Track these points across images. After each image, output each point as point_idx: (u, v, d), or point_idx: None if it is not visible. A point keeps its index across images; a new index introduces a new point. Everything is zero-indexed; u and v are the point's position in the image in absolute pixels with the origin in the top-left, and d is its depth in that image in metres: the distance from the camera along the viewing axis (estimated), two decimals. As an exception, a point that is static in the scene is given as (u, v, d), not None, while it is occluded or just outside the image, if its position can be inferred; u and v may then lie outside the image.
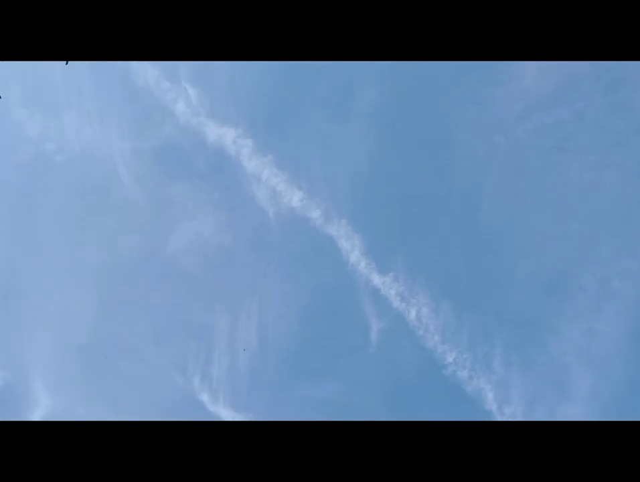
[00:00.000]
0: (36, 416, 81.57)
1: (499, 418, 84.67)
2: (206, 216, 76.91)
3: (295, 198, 62.42)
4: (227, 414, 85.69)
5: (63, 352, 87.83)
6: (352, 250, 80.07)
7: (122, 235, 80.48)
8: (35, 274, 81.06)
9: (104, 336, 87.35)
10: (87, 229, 73.91)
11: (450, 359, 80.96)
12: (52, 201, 65.86)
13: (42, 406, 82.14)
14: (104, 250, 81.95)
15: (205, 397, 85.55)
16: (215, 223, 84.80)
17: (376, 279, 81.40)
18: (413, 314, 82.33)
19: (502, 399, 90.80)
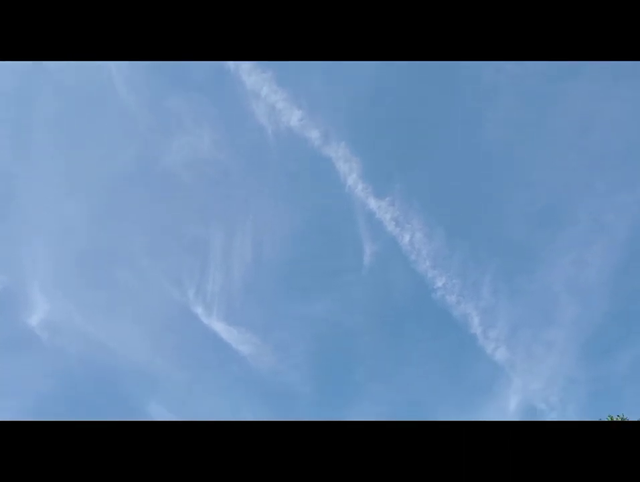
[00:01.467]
0: (33, 320, 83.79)
1: (482, 341, 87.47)
2: (203, 131, 75.90)
3: (294, 117, 61.47)
4: (220, 327, 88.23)
5: (60, 259, 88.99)
6: (350, 172, 79.69)
7: (117, 146, 79.63)
8: (32, 182, 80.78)
9: (101, 245, 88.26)
10: (82, 139, 72.99)
11: (439, 283, 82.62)
12: (47, 108, 64.68)
13: (39, 311, 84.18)
14: (100, 160, 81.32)
15: (199, 310, 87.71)
16: (212, 139, 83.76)
17: (372, 203, 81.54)
18: (406, 239, 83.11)
19: (487, 324, 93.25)
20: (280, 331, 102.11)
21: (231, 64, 56.59)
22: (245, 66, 56.43)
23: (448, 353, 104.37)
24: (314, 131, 74.30)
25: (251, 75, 56.80)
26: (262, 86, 58.76)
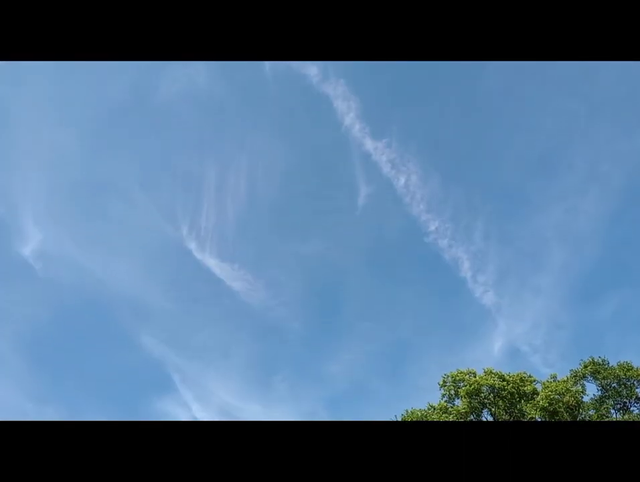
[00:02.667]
0: (27, 250, 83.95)
1: (471, 285, 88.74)
2: (199, 63, 73.94)
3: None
4: (213, 263, 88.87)
5: (54, 190, 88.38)
6: (347, 111, 78.60)
7: (112, 76, 77.67)
8: (26, 110, 79.09)
9: (94, 176, 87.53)
10: (76, 67, 71.06)
11: (432, 227, 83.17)
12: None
13: (32, 241, 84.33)
14: (93, 90, 79.40)
15: (192, 246, 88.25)
16: (209, 71, 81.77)
17: (369, 144, 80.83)
18: (402, 181, 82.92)
19: (477, 268, 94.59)
20: (272, 268, 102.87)
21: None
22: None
23: (437, 295, 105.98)
24: (313, 67, 72.68)
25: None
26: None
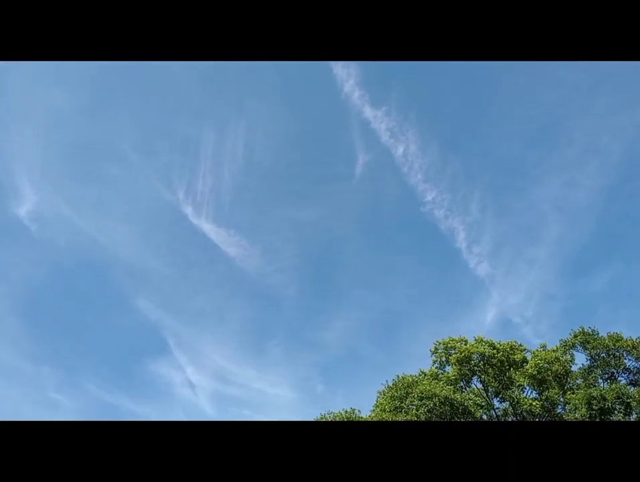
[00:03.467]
0: (22, 211, 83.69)
1: (466, 256, 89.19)
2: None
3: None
4: (209, 228, 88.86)
5: (49, 151, 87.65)
6: (347, 79, 77.64)
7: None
8: (21, 72, 77.90)
9: (90, 138, 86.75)
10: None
11: (429, 197, 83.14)
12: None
13: (28, 202, 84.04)
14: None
15: (189, 211, 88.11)
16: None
17: (368, 112, 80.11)
18: (400, 150, 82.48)
19: (472, 239, 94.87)
20: (268, 234, 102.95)
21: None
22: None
23: (432, 265, 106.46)
24: (313, 32, 71.41)
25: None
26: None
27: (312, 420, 34.97)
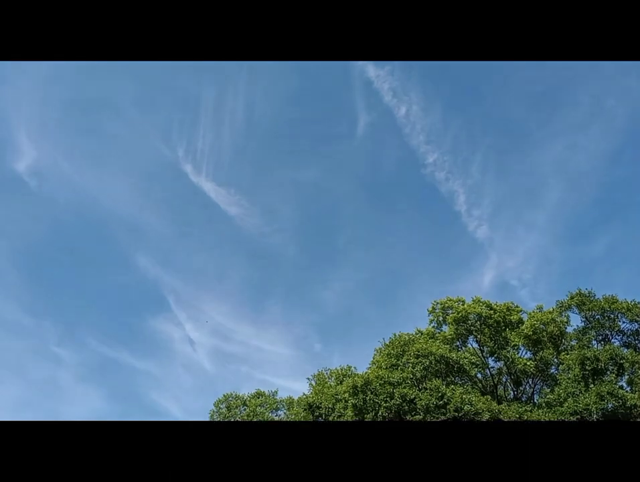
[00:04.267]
0: (21, 166, 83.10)
1: (465, 218, 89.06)
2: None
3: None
4: (209, 187, 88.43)
5: (48, 106, 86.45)
6: (350, 34, 75.96)
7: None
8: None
9: (89, 93, 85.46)
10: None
11: (430, 159, 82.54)
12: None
13: (27, 157, 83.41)
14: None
15: (188, 168, 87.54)
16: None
17: (371, 71, 78.68)
18: (403, 111, 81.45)
19: (472, 202, 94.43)
20: (268, 194, 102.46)
21: None
22: None
23: (431, 227, 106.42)
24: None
25: None
26: None
27: (310, 374, 35.38)
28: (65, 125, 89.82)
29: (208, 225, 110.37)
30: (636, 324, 33.90)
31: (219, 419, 35.52)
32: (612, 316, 33.88)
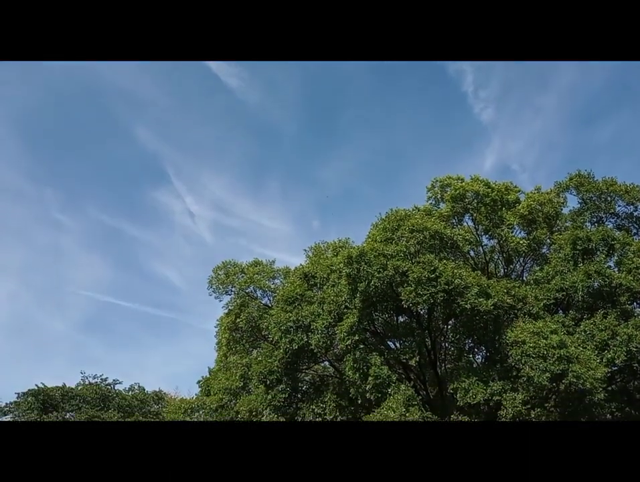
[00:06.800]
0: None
1: (471, 100, 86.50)
2: None
3: None
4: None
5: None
6: None
7: None
8: None
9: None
10: None
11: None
12: None
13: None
14: None
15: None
16: None
17: None
18: None
19: (480, 83, 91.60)
20: (270, 66, 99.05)
21: None
22: None
23: (436, 108, 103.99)
24: None
25: None
26: None
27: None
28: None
29: (208, 98, 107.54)
30: (632, 207, 34.11)
31: (217, 285, 36.65)
32: (609, 198, 33.96)
